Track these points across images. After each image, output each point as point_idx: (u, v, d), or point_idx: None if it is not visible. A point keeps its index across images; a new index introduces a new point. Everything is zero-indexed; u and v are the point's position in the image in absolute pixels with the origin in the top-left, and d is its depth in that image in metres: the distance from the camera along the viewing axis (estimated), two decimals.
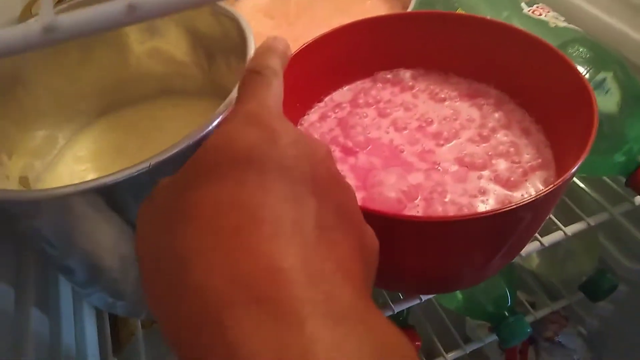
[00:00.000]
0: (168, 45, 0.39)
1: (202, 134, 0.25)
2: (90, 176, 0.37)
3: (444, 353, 0.49)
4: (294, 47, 0.31)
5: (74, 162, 0.38)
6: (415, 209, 0.30)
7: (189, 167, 0.17)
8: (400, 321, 0.47)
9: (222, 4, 0.33)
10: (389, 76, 0.39)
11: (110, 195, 0.25)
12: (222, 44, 0.36)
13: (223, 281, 0.14)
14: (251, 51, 0.31)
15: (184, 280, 0.14)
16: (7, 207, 0.27)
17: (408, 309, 0.45)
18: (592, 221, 0.42)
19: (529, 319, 0.52)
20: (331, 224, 0.16)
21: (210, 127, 0.25)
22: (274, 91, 0.20)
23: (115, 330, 0.47)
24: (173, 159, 0.24)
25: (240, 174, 0.16)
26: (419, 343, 0.45)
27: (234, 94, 0.27)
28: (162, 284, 0.16)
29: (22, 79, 0.34)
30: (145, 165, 0.24)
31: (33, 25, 0.13)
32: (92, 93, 0.40)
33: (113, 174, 0.24)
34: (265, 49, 0.22)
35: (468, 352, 0.50)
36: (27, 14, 0.40)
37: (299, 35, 0.42)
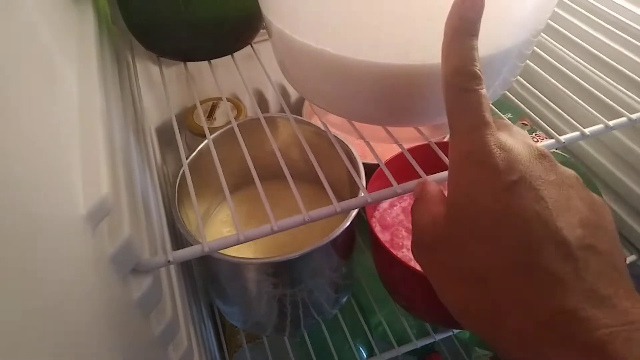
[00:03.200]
0: (289, 150, 0.57)
1: (335, 236, 0.43)
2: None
3: None
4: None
5: (221, 225, 0.56)
6: None
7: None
8: (430, 347, 0.64)
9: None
10: None
11: (269, 267, 0.43)
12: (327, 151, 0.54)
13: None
14: (360, 168, 0.49)
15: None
16: (214, 261, 0.45)
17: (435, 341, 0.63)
18: None
19: None
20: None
21: (339, 233, 0.43)
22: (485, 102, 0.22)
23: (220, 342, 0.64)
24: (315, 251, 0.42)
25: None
26: None
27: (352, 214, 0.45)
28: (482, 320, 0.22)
29: (204, 170, 0.52)
30: (296, 255, 0.42)
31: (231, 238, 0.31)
32: (232, 175, 0.58)
33: (275, 257, 0.42)
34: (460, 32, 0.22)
35: None
36: (189, 120, 0.58)
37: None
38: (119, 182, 0.28)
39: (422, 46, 0.27)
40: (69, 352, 0.20)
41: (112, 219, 0.26)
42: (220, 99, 0.61)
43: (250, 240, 0.31)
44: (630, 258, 0.58)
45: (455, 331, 0.55)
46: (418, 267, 0.48)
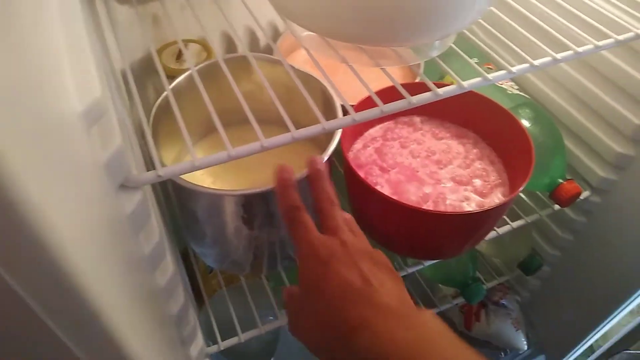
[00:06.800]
0: (261, 93, 0.56)
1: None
2: (207, 179, 0.54)
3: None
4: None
5: None
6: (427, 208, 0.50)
7: (304, 278, 0.35)
8: None
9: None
10: (405, 120, 0.59)
11: (246, 199, 0.44)
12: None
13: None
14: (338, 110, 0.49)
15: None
16: (193, 195, 0.44)
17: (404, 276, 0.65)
18: (529, 219, 0.64)
19: None
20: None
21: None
22: (308, 223, 0.37)
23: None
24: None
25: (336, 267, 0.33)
26: None
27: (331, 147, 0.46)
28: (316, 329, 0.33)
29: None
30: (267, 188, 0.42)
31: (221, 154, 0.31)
32: (204, 119, 0.57)
33: (249, 189, 0.43)
34: (283, 189, 0.39)
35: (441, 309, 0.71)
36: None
37: (340, 81, 0.61)
38: (107, 92, 0.27)
39: None
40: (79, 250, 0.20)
41: (103, 128, 0.25)
42: (187, 41, 0.60)
43: (238, 158, 0.31)
44: (585, 194, 0.62)
45: (426, 263, 0.58)
46: (395, 197, 0.50)
